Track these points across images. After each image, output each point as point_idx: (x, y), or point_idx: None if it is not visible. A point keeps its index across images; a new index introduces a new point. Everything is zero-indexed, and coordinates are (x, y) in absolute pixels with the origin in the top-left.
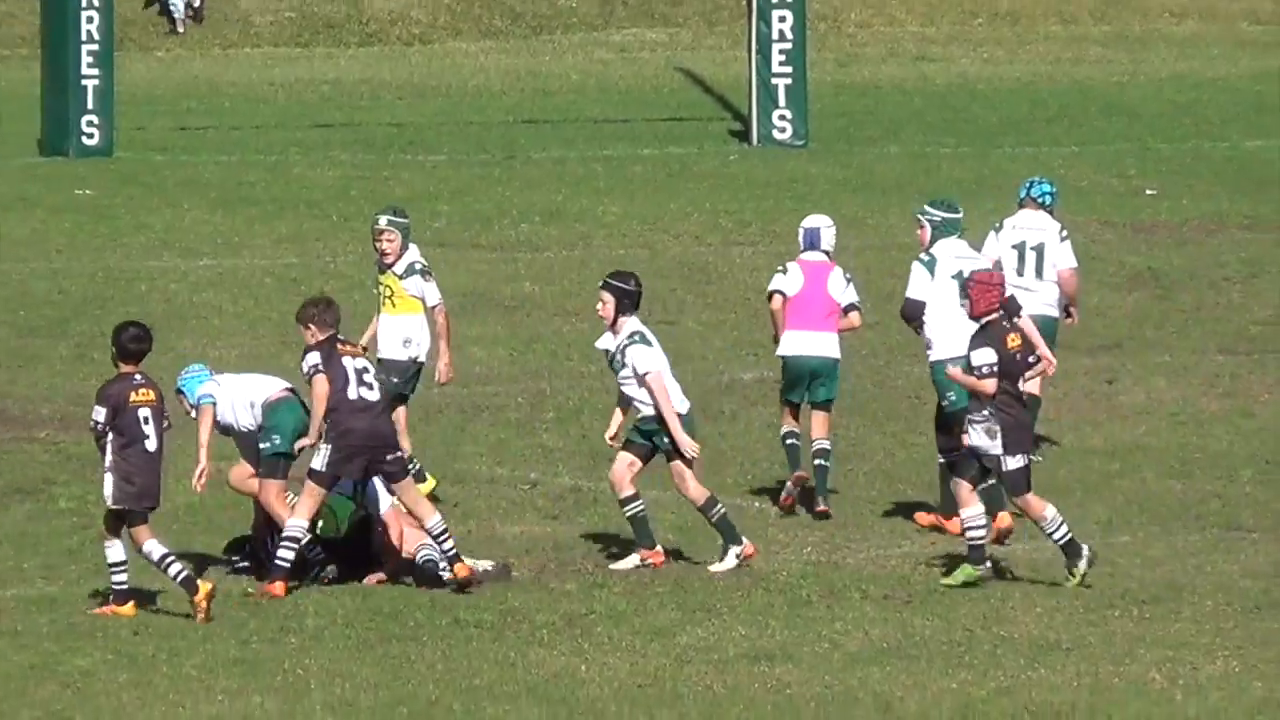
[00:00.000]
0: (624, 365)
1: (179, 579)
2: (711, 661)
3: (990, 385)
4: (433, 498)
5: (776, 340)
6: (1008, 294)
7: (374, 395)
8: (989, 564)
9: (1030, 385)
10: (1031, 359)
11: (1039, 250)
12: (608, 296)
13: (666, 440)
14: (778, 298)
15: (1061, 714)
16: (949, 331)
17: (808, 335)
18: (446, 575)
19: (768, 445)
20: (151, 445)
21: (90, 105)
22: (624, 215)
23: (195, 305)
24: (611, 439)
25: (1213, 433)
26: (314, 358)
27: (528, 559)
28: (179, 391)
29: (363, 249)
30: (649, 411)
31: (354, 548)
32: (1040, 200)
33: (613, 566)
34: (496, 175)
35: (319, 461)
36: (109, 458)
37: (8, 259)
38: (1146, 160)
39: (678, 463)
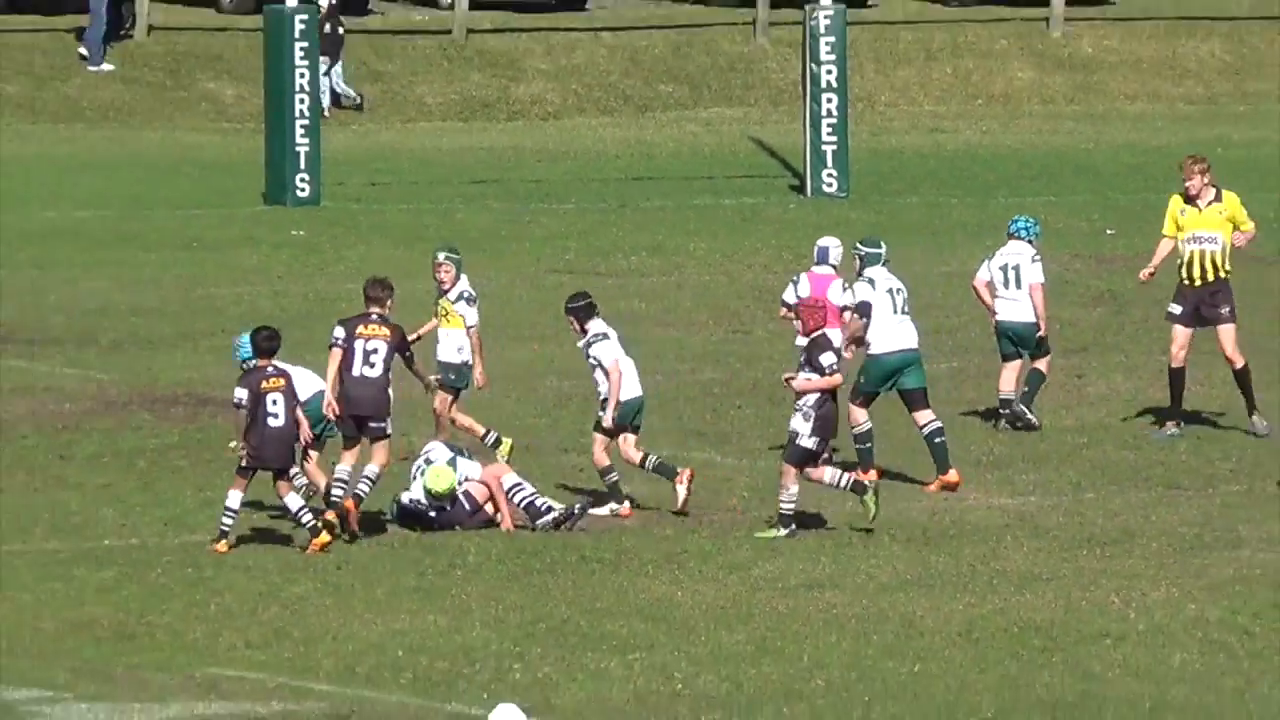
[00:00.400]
0: (590, 358)
1: (309, 526)
2: (776, 589)
3: (838, 379)
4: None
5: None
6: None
7: (374, 372)
8: (794, 527)
9: (1040, 364)
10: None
11: (1017, 269)
12: (571, 319)
13: (633, 419)
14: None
15: (1042, 629)
16: (886, 335)
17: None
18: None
19: None
20: (276, 421)
21: (302, 166)
22: (709, 250)
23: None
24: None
25: (1140, 408)
26: (338, 331)
27: (637, 513)
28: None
29: (507, 274)
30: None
31: (455, 506)
32: (1018, 234)
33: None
34: (612, 220)
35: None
36: (245, 427)
37: (241, 284)
38: (1107, 208)
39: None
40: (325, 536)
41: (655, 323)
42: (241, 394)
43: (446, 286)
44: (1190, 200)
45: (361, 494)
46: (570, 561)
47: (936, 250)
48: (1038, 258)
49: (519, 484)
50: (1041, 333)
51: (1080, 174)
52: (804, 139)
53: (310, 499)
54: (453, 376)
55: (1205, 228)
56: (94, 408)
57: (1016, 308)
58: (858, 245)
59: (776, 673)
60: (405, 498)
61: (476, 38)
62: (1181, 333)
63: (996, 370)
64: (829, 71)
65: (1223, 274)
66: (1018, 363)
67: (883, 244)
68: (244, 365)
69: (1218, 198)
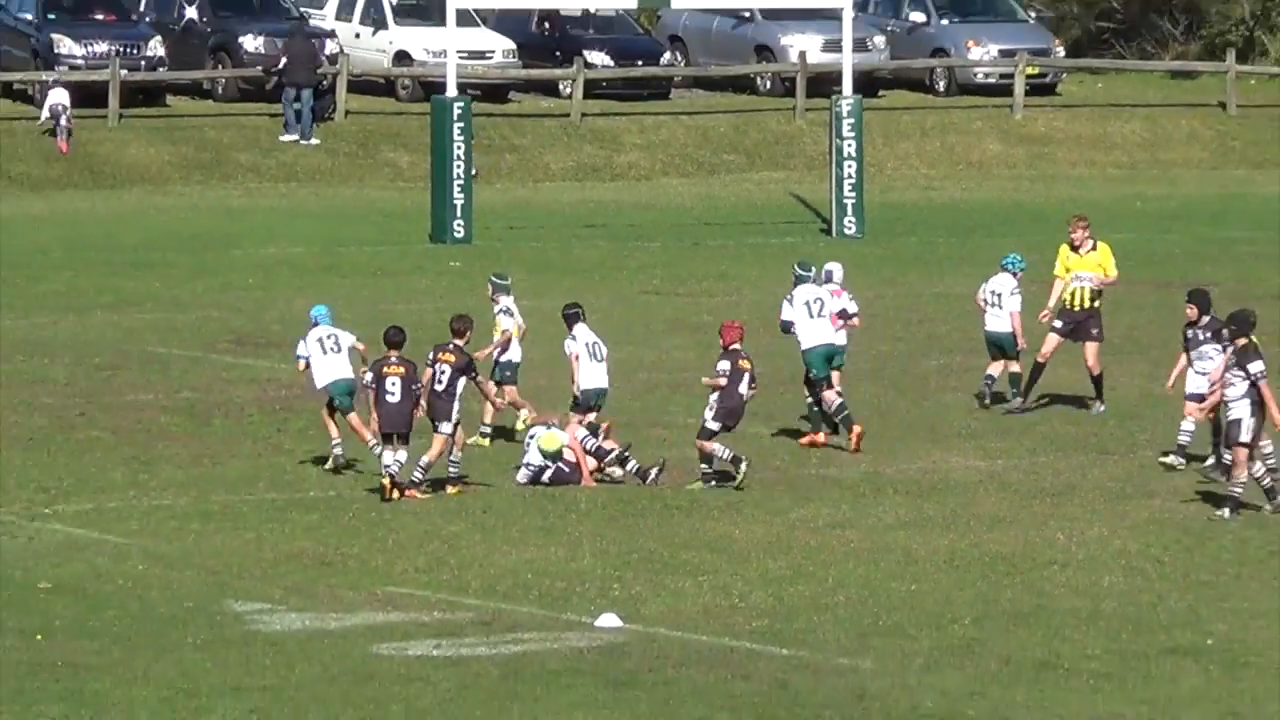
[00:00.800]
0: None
1: (384, 479)
2: (808, 528)
3: (722, 382)
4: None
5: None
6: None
7: (394, 398)
8: (714, 483)
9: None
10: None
11: (999, 295)
12: (564, 320)
13: (595, 401)
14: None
15: (1006, 558)
16: (808, 334)
17: (826, 334)
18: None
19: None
20: (393, 399)
21: (458, 214)
22: (759, 277)
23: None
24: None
25: (1106, 396)
26: (430, 354)
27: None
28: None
29: (610, 296)
30: None
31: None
32: (1005, 266)
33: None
34: (687, 254)
35: None
36: (374, 402)
37: (411, 302)
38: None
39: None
40: (399, 494)
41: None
42: (369, 376)
43: (497, 306)
44: (1074, 249)
45: (415, 477)
46: (655, 508)
47: (928, 277)
48: (1017, 290)
49: (587, 435)
50: (1020, 346)
51: (1035, 221)
52: (830, 195)
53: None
54: (508, 373)
55: (1084, 269)
56: (301, 394)
57: (999, 322)
58: (795, 268)
59: (808, 591)
60: (526, 463)
61: (588, 119)
62: (1055, 340)
63: (976, 367)
64: (849, 144)
65: (1096, 304)
66: (1001, 362)
67: (812, 268)
68: (314, 325)
69: (1094, 248)
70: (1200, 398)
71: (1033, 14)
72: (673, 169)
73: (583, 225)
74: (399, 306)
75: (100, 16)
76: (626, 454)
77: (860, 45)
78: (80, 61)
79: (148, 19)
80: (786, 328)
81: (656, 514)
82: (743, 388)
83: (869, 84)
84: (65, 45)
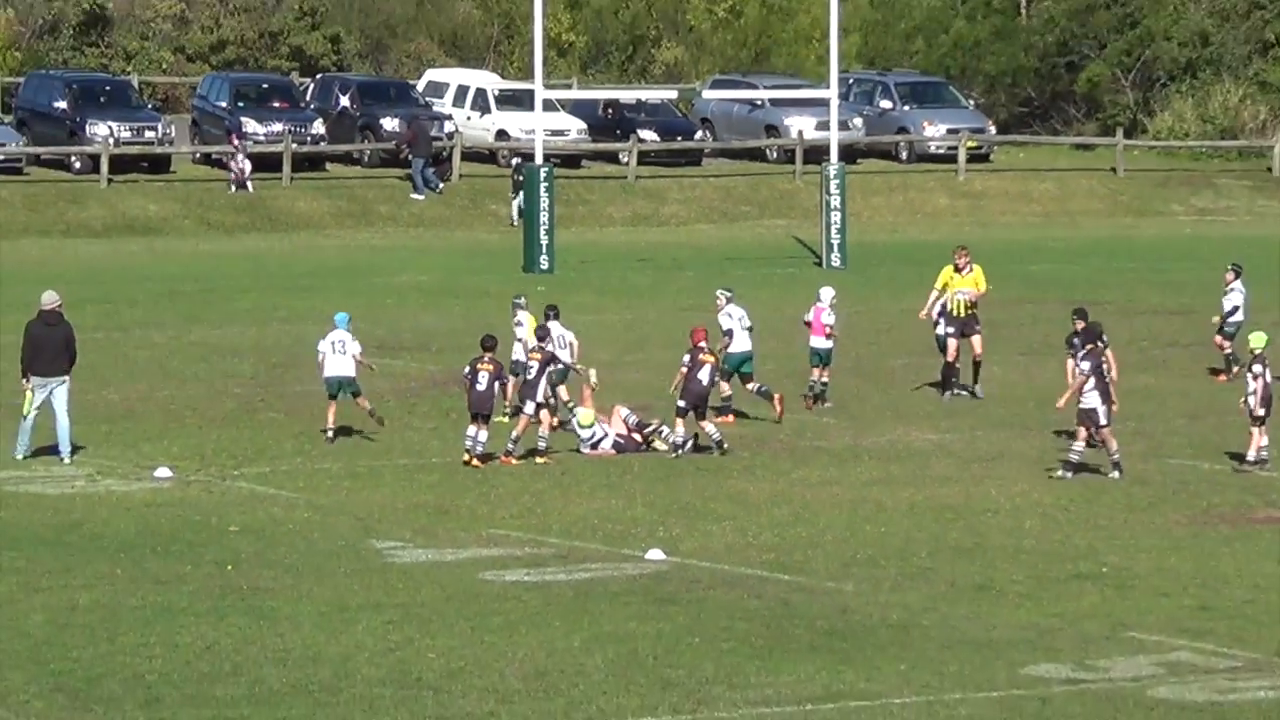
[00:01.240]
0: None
1: (470, 450)
2: (805, 485)
3: (684, 371)
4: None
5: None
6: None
7: (481, 387)
8: (679, 454)
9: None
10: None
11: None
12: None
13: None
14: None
15: (952, 506)
16: (735, 343)
17: (818, 339)
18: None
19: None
20: (480, 387)
21: (544, 251)
22: (770, 297)
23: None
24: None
25: (1027, 386)
26: (466, 369)
27: (735, 442)
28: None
29: (656, 311)
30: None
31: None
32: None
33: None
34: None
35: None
36: (468, 390)
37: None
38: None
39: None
40: (477, 462)
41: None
42: (466, 370)
43: (520, 326)
44: (957, 270)
45: (508, 447)
46: (690, 470)
47: (895, 298)
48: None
49: (630, 413)
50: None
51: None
52: (821, 236)
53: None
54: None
55: (964, 286)
56: (427, 385)
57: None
58: (719, 291)
59: (805, 533)
60: (585, 436)
61: (641, 181)
62: (954, 343)
63: (931, 365)
64: (835, 199)
65: (973, 311)
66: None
67: (732, 290)
68: (334, 328)
69: (971, 270)
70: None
71: (972, 102)
72: (704, 217)
73: (636, 259)
74: (499, 320)
75: (277, 104)
76: (662, 428)
77: (843, 125)
78: (262, 137)
79: (312, 106)
80: (728, 333)
81: (691, 475)
82: (702, 375)
83: (850, 154)
84: (251, 125)
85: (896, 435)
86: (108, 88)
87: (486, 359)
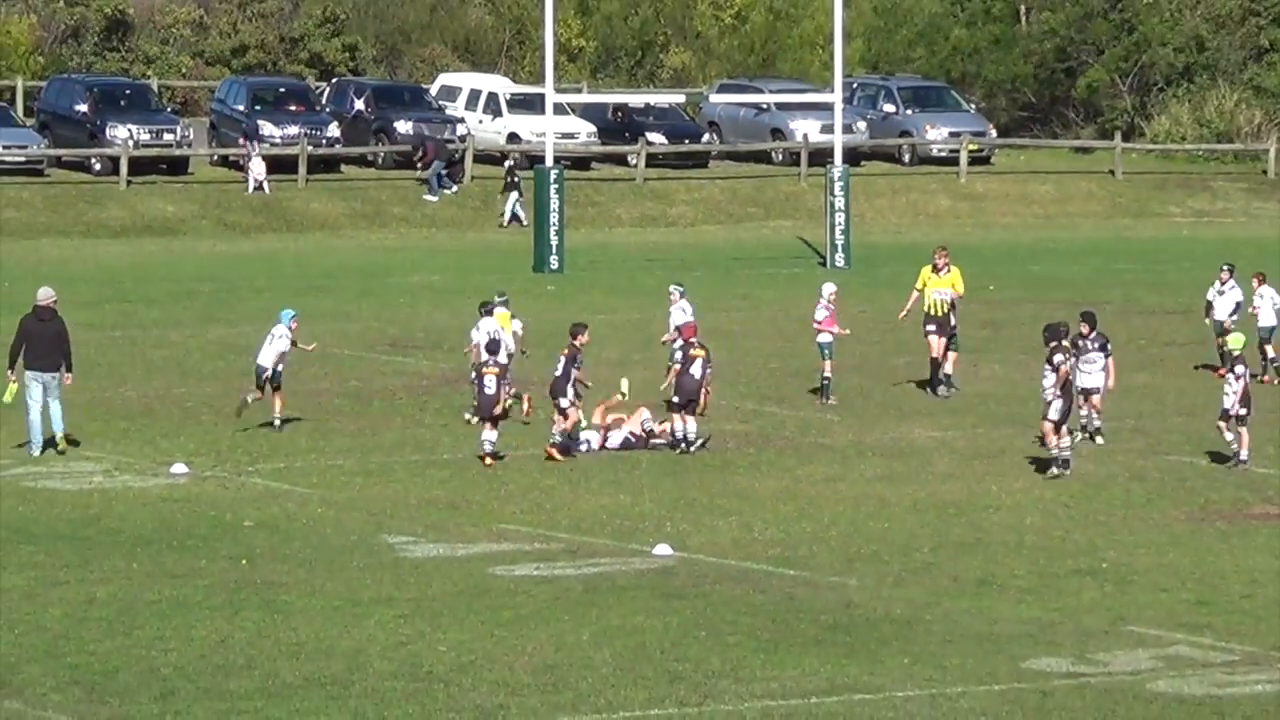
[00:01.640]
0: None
1: (484, 451)
2: (810, 481)
3: (677, 368)
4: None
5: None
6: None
7: (489, 390)
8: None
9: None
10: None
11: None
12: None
13: None
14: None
15: (954, 503)
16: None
17: (825, 332)
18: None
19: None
20: (489, 390)
21: (554, 250)
22: (775, 297)
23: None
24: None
25: (1028, 385)
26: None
27: (741, 439)
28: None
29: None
30: None
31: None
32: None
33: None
34: (721, 280)
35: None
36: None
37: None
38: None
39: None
40: (489, 462)
41: (745, 336)
42: (473, 374)
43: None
44: (936, 270)
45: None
46: (697, 466)
47: (898, 297)
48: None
49: (649, 417)
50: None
51: (974, 256)
52: (825, 237)
53: None
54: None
55: (942, 287)
56: (439, 382)
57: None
58: (671, 287)
59: (810, 527)
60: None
61: (649, 183)
62: (937, 341)
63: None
64: (839, 201)
65: (950, 311)
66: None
67: (684, 284)
68: (290, 326)
69: (949, 270)
70: (1086, 391)
71: (973, 106)
72: (710, 219)
73: (645, 259)
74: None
75: (293, 108)
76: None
77: (847, 129)
78: (278, 140)
79: (328, 109)
80: (678, 329)
81: (698, 471)
82: (694, 370)
83: (854, 157)
84: (267, 128)
85: (899, 432)
86: (128, 91)
87: (491, 363)
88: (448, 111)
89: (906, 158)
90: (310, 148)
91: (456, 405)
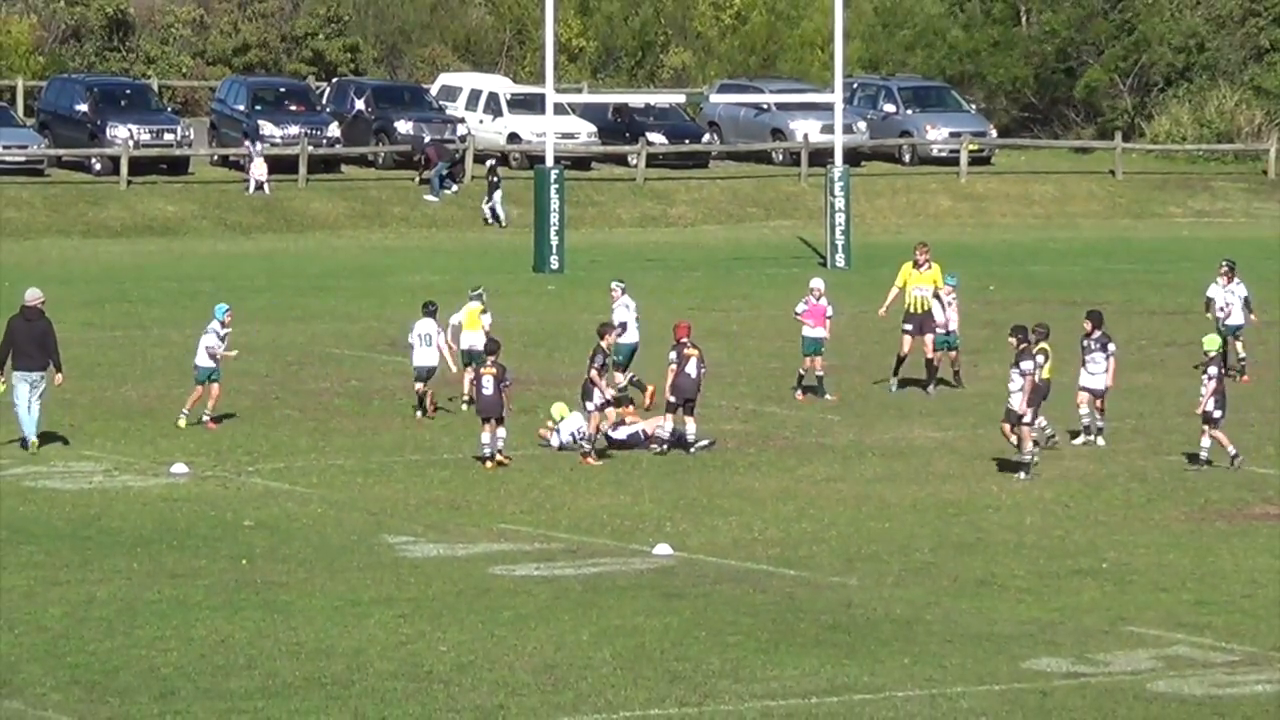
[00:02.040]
0: None
1: (485, 454)
2: (810, 481)
3: (673, 369)
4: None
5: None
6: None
7: (487, 390)
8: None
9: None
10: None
11: (950, 304)
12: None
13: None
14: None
15: (954, 503)
16: (631, 334)
17: (817, 328)
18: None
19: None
20: (487, 391)
21: (554, 251)
22: (774, 298)
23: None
24: None
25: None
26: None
27: (741, 439)
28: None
29: (665, 309)
30: None
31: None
32: (947, 283)
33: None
34: (720, 280)
35: None
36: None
37: (518, 315)
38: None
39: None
40: (490, 465)
41: (745, 336)
42: (471, 374)
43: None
44: (917, 266)
45: (584, 447)
46: (697, 466)
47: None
48: (953, 300)
49: (662, 425)
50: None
51: (975, 257)
52: (826, 237)
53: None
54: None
55: (922, 283)
56: (438, 383)
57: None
58: (613, 284)
59: (809, 527)
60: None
61: (649, 183)
62: (910, 339)
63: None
64: (840, 201)
65: (929, 308)
66: (953, 352)
67: (624, 280)
68: (222, 322)
69: (929, 266)
70: (1090, 391)
71: (973, 106)
72: (711, 219)
73: (645, 260)
74: (510, 319)
75: (293, 107)
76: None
77: (848, 129)
78: (278, 140)
79: (328, 109)
80: (622, 325)
81: (698, 470)
82: (690, 369)
83: (854, 157)
84: (267, 128)
85: (900, 433)
86: (128, 91)
87: (489, 363)
88: (448, 111)
89: (907, 158)
90: (311, 148)
91: (456, 405)
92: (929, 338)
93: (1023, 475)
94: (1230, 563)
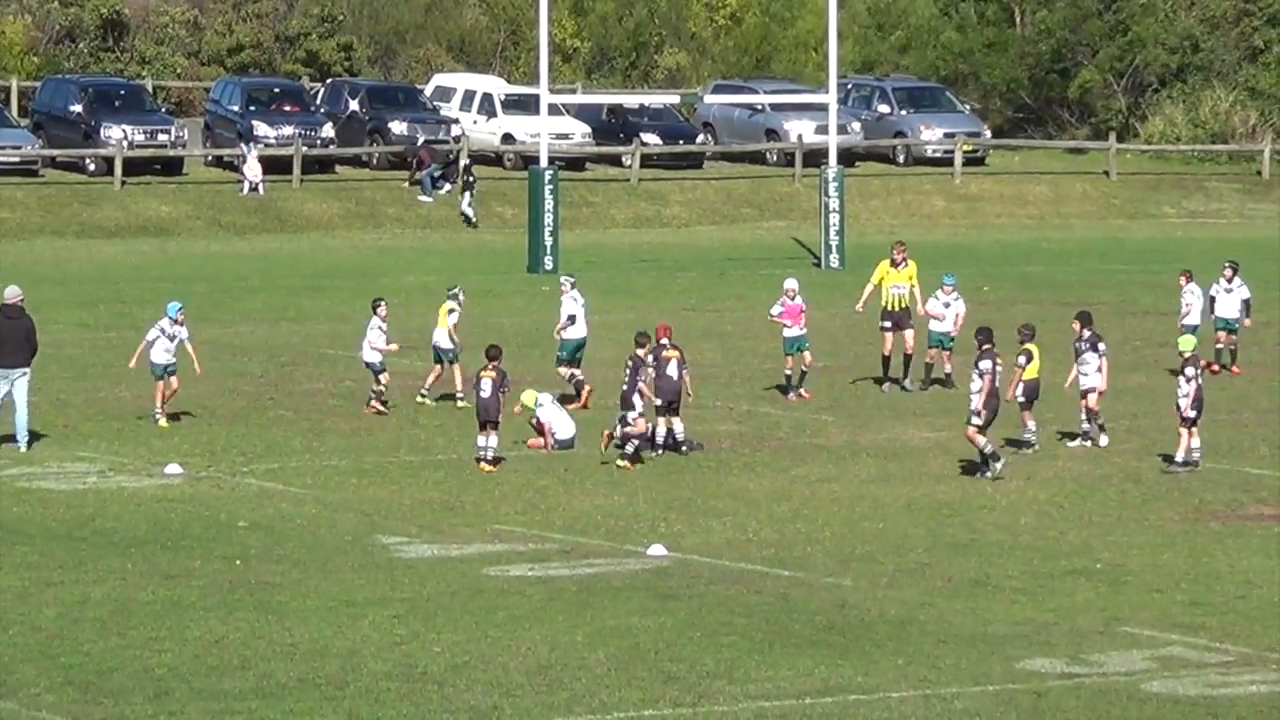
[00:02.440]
0: None
1: (483, 457)
2: (804, 481)
3: (651, 373)
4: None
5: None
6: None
7: (485, 394)
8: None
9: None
10: None
11: (948, 305)
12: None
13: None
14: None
15: (949, 503)
16: (573, 330)
17: (794, 327)
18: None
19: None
20: (484, 394)
21: (548, 251)
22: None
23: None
24: None
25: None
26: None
27: (735, 439)
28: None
29: (658, 310)
30: None
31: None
32: (946, 284)
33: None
34: (714, 281)
35: None
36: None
37: (511, 315)
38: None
39: None
40: (487, 467)
41: (739, 337)
42: (473, 378)
43: (455, 311)
44: (894, 265)
45: (628, 450)
46: (691, 467)
47: None
48: (957, 297)
49: (671, 430)
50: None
51: (969, 257)
52: (820, 238)
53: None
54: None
55: (898, 281)
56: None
57: (940, 325)
58: (563, 278)
59: (804, 528)
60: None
61: (643, 183)
62: (891, 336)
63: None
64: (834, 201)
65: (907, 305)
66: (945, 352)
67: (574, 275)
68: (175, 319)
69: (905, 264)
70: (1084, 392)
71: (967, 106)
72: (705, 219)
73: (639, 260)
74: (504, 319)
75: (288, 108)
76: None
77: (842, 129)
78: (273, 140)
79: (322, 110)
80: (570, 319)
81: (692, 471)
82: (671, 370)
83: (848, 157)
84: (262, 129)
85: (894, 433)
86: (122, 92)
87: (490, 366)
88: (442, 112)
89: (901, 159)
90: (305, 148)
91: (449, 406)
92: (908, 333)
93: (989, 473)
94: (1225, 563)
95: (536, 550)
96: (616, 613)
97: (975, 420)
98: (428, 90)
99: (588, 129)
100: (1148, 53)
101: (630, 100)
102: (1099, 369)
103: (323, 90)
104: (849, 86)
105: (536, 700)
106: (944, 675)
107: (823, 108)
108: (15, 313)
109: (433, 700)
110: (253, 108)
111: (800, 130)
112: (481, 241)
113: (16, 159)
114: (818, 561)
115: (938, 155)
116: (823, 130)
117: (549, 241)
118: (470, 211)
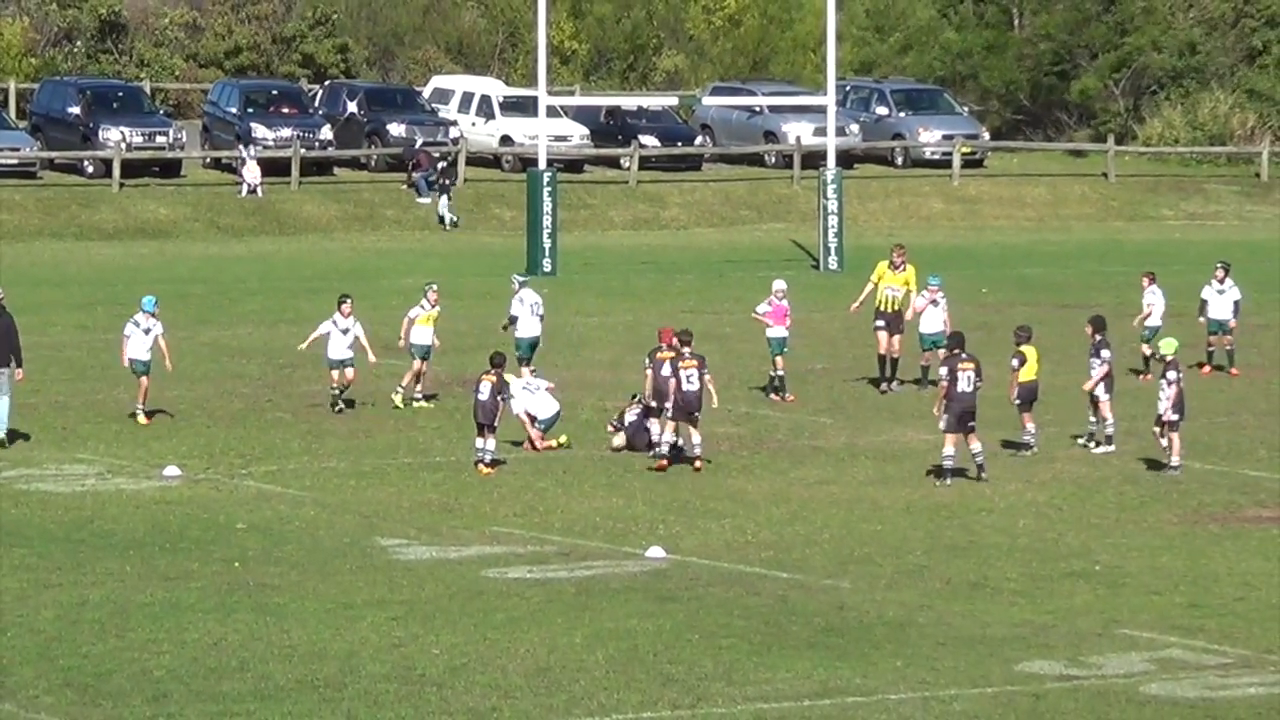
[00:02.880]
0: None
1: (481, 460)
2: (802, 484)
3: (649, 374)
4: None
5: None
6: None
7: (484, 397)
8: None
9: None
10: None
11: (935, 303)
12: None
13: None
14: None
15: (947, 506)
16: (522, 328)
17: (778, 327)
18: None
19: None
20: (482, 397)
21: (547, 253)
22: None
23: (592, 340)
24: None
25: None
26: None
27: (734, 441)
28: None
29: (657, 312)
30: None
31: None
32: (930, 284)
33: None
34: (713, 283)
35: None
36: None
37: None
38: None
39: None
40: (485, 470)
41: (738, 340)
42: (475, 382)
43: (434, 305)
44: (893, 267)
45: (662, 450)
46: (688, 469)
47: None
48: (943, 297)
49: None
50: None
51: (967, 259)
52: (818, 240)
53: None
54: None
55: (895, 283)
56: (431, 385)
57: (932, 323)
58: (514, 276)
59: (802, 530)
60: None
61: (642, 185)
62: (885, 337)
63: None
64: (832, 204)
65: (902, 307)
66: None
67: (525, 275)
68: (153, 315)
69: (904, 268)
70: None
71: (966, 109)
72: (704, 221)
73: (638, 262)
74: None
75: (286, 110)
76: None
77: (840, 131)
78: (271, 142)
79: (320, 112)
80: (513, 320)
81: (690, 473)
82: (664, 372)
83: (846, 159)
84: (260, 131)
85: (893, 435)
86: (120, 94)
87: (491, 371)
88: (441, 114)
89: (899, 160)
90: (303, 150)
91: (449, 408)
92: (896, 338)
93: (946, 480)
94: (1223, 566)
95: (535, 552)
96: (615, 615)
97: (939, 424)
98: (426, 92)
99: (586, 131)
100: (1147, 55)
101: (629, 102)
102: (1093, 372)
103: (321, 92)
104: (847, 88)
105: (535, 702)
106: (942, 677)
107: (821, 110)
108: None
109: (431, 702)
110: (251, 110)
111: (799, 132)
112: (479, 243)
113: (15, 161)
114: (816, 563)
115: (936, 157)
116: (821, 132)
117: (547, 244)
118: (447, 213)
